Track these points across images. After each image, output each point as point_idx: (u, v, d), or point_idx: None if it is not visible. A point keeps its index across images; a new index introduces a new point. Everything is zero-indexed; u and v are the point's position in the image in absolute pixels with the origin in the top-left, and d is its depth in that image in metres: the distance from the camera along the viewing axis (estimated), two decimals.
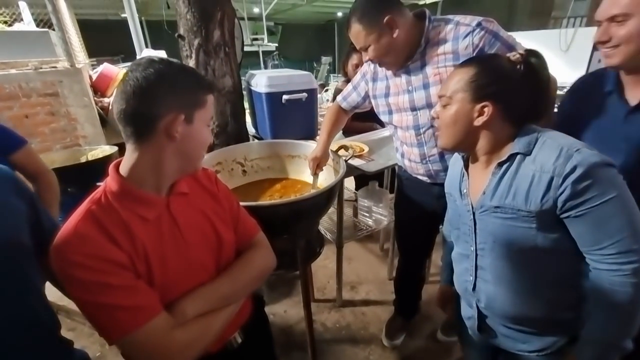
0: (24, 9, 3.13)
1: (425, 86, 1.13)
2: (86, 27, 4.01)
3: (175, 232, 0.68)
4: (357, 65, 2.04)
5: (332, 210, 1.88)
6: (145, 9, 7.62)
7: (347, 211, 2.02)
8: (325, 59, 10.87)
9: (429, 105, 1.14)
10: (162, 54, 3.20)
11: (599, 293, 0.69)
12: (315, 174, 1.35)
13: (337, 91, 2.16)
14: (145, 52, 3.18)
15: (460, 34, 1.03)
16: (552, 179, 0.66)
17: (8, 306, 0.63)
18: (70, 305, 0.80)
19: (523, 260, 0.75)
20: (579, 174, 0.63)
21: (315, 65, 11.75)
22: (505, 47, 1.01)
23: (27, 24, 3.13)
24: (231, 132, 1.82)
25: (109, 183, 0.64)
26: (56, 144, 2.89)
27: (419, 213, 1.40)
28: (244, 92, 1.96)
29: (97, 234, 0.59)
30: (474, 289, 0.86)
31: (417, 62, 1.12)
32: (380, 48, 1.07)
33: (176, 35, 1.64)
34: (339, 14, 13.08)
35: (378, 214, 1.88)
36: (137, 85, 0.58)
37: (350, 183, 2.45)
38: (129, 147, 0.63)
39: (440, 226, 1.21)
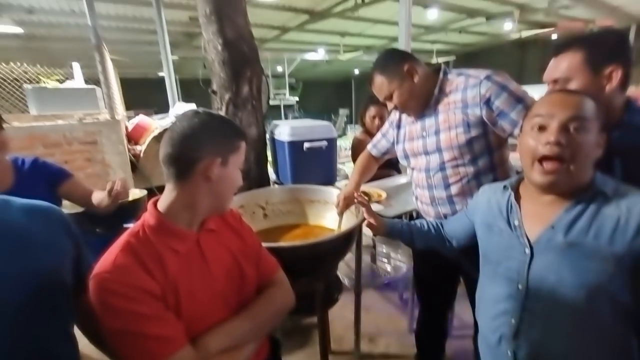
0: (77, 68, 3.55)
1: (437, 132, 1.19)
2: (126, 84, 4.46)
3: (203, 266, 0.72)
4: (375, 117, 2.16)
5: (349, 257, 1.87)
6: (180, 69, 8.43)
7: (365, 258, 2.00)
8: (343, 111, 11.43)
9: (439, 150, 1.19)
10: (192, 106, 3.49)
11: None
12: (341, 213, 1.37)
13: (356, 140, 2.27)
14: (178, 106, 3.48)
15: (469, 85, 1.12)
16: None
17: (42, 341, 0.62)
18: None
19: (588, 309, 0.69)
20: None
21: (333, 116, 12.32)
22: (512, 98, 1.06)
23: (78, 81, 3.53)
24: (253, 178, 1.91)
25: (147, 217, 0.70)
26: None
27: (437, 260, 1.37)
28: (268, 141, 2.09)
29: (133, 264, 0.63)
30: (515, 336, 0.78)
31: (431, 109, 1.20)
32: (403, 93, 1.17)
33: (210, 90, 1.82)
34: (356, 72, 13.98)
35: (397, 260, 1.85)
36: (183, 132, 0.66)
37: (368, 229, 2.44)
38: (169, 186, 0.70)
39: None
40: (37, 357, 0.61)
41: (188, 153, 0.66)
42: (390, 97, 1.19)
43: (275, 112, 10.23)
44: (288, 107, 10.84)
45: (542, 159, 0.71)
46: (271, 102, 10.06)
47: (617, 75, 0.83)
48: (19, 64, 3.47)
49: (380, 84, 1.18)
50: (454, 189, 1.21)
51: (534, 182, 0.75)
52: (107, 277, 0.61)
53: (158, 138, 3.21)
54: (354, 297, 1.71)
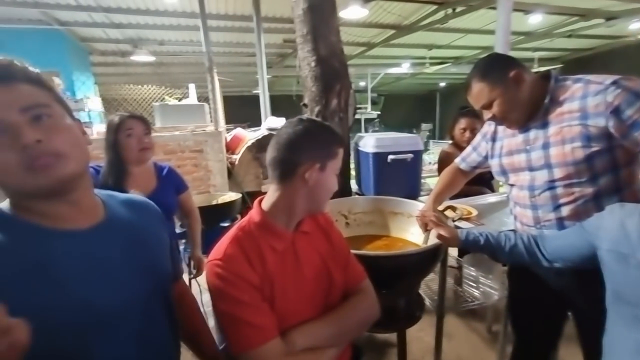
0: (192, 88, 4.18)
1: (545, 146, 1.05)
2: (227, 101, 5.08)
3: (295, 266, 0.77)
4: (465, 129, 2.04)
5: (431, 277, 1.77)
6: (271, 86, 9.25)
7: (449, 281, 1.86)
8: (426, 126, 11.00)
9: (548, 166, 1.05)
10: (282, 120, 3.78)
11: None
12: (427, 231, 1.30)
13: (443, 153, 2.17)
14: (270, 119, 3.82)
15: (590, 92, 0.96)
16: None
17: (156, 327, 0.65)
18: None
19: None
20: None
21: (414, 131, 11.95)
22: None
23: (192, 99, 4.15)
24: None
25: (253, 214, 0.78)
26: (193, 191, 3.56)
27: (538, 291, 1.20)
28: (351, 152, 2.14)
29: (239, 255, 0.71)
30: None
31: (538, 121, 1.07)
32: (505, 102, 1.06)
33: (301, 104, 1.96)
34: (442, 84, 13.37)
35: (487, 286, 1.68)
36: (288, 138, 0.73)
37: (453, 249, 2.28)
38: (272, 187, 0.78)
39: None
40: (150, 345, 0.63)
41: (291, 157, 0.73)
42: (489, 106, 1.09)
43: (355, 125, 10.34)
44: (368, 121, 10.89)
45: None
46: None
47: None
48: (149, 86, 4.27)
49: (479, 91, 1.08)
50: (565, 211, 1.05)
51: None
52: (218, 264, 0.70)
53: (250, 148, 3.56)
54: (433, 320, 1.61)
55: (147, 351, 0.61)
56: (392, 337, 2.24)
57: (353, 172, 2.26)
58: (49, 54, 4.68)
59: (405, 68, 8.69)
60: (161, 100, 4.23)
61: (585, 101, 0.96)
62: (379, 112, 10.37)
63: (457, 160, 1.47)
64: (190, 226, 1.68)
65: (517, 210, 1.21)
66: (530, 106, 1.07)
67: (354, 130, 2.27)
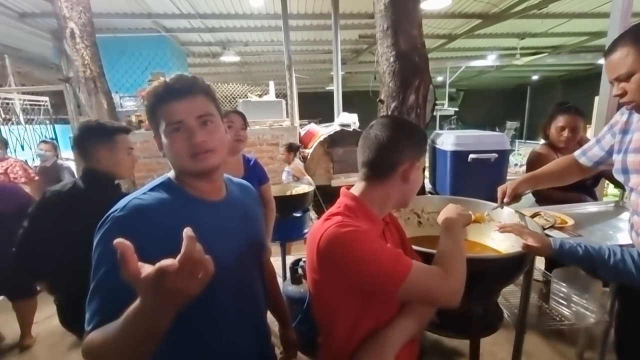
0: (271, 86, 4.45)
1: None
2: (301, 98, 5.30)
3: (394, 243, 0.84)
4: (564, 128, 1.81)
5: (510, 289, 1.62)
6: (345, 82, 9.34)
7: (533, 296, 1.69)
8: (511, 124, 9.95)
9: None
10: (354, 117, 3.80)
11: None
12: (501, 203, 1.25)
13: (535, 154, 1.95)
14: (342, 115, 3.87)
15: None
16: None
17: (252, 286, 0.83)
18: None
19: None
20: None
21: (497, 130, 10.91)
22: None
23: (271, 95, 4.42)
24: None
25: (344, 201, 0.80)
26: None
27: None
28: (427, 150, 2.07)
29: (356, 221, 0.73)
30: None
31: None
32: None
33: (377, 100, 1.95)
34: (534, 77, 11.90)
35: (581, 306, 1.48)
36: (390, 138, 0.75)
37: (540, 261, 2.05)
38: (362, 184, 0.80)
39: None
40: (249, 297, 0.81)
41: (392, 157, 0.76)
42: (625, 79, 0.92)
43: (430, 122, 9.88)
44: (444, 118, 10.28)
45: None
46: None
47: None
48: (234, 84, 4.68)
49: (623, 57, 0.91)
50: None
51: None
52: (343, 223, 0.70)
53: (322, 143, 3.66)
54: (510, 337, 1.48)
55: (244, 296, 0.78)
56: (461, 345, 2.11)
57: (427, 171, 2.18)
58: (158, 56, 5.53)
59: (490, 60, 7.95)
60: (245, 97, 4.60)
61: None
62: (457, 109, 9.71)
63: (576, 153, 1.32)
64: (266, 215, 1.80)
65: (635, 219, 1.04)
66: None
67: (429, 128, 2.19)
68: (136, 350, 0.51)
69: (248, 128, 1.65)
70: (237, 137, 1.55)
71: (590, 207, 1.71)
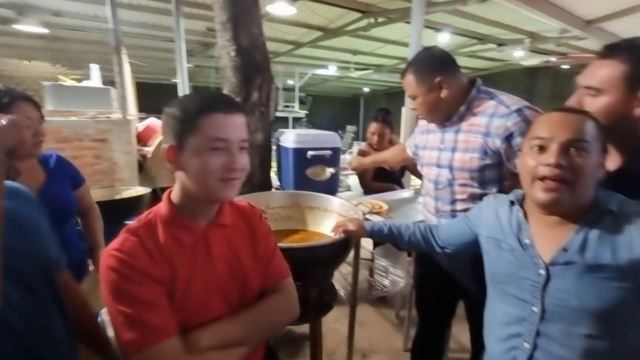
0: (94, 69, 3.66)
1: (453, 149, 1.18)
2: (141, 89, 4.60)
3: (207, 260, 0.72)
4: (374, 133, 2.30)
5: (348, 271, 1.85)
6: (193, 76, 8.67)
7: (364, 273, 1.98)
8: (350, 128, 11.52)
9: (450, 167, 1.18)
10: None
11: None
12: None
13: (360, 152, 2.33)
14: None
15: (498, 113, 1.07)
16: None
17: (48, 321, 0.64)
18: None
19: (609, 326, 0.68)
20: None
21: (340, 132, 12.45)
22: None
23: (94, 81, 3.63)
24: (256, 182, 1.93)
25: (160, 207, 0.71)
26: (95, 185, 3.12)
27: (437, 275, 1.36)
28: (273, 148, 2.12)
29: (137, 247, 0.64)
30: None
31: (454, 125, 1.18)
32: (425, 102, 1.17)
33: None
34: (365, 89, 14.17)
35: (395, 275, 1.83)
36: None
37: (368, 242, 2.43)
38: None
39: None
40: (43, 335, 0.62)
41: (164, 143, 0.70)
42: (413, 98, 1.20)
43: (283, 124, 10.36)
44: (296, 120, 10.98)
45: (542, 178, 0.70)
46: (280, 114, 10.22)
47: None
48: (39, 62, 3.60)
49: (409, 83, 1.18)
50: (459, 205, 1.21)
51: (536, 200, 0.73)
52: (114, 254, 0.63)
53: None
54: (348, 312, 1.69)
55: (38, 335, 0.60)
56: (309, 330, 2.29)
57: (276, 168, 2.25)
58: None
59: (332, 70, 8.97)
60: (54, 81, 3.60)
61: (492, 120, 1.08)
62: (307, 112, 10.53)
63: (407, 142, 1.58)
64: (90, 225, 1.46)
65: (425, 198, 1.35)
66: (448, 110, 1.17)
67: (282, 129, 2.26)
68: None
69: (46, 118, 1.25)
70: (37, 135, 1.14)
71: (400, 194, 2.13)
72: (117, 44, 3.22)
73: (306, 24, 5.58)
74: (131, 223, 0.69)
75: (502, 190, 1.15)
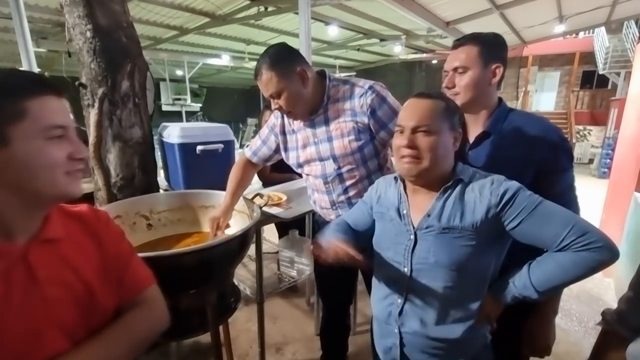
0: None
1: (329, 139, 1.21)
2: None
3: (29, 288, 0.56)
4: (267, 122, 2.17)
5: (255, 266, 1.78)
6: (50, 64, 7.12)
7: (272, 266, 1.94)
8: (251, 120, 11.21)
9: (333, 157, 1.22)
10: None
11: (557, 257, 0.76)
12: (214, 236, 1.26)
13: None
14: None
15: (356, 94, 1.16)
16: (490, 201, 0.79)
17: None
18: None
19: (458, 278, 0.82)
20: (511, 193, 0.78)
21: (241, 126, 12.01)
22: (390, 110, 1.16)
23: None
24: (138, 185, 1.67)
25: None
26: None
27: None
28: (156, 145, 1.87)
29: None
30: (400, 313, 0.89)
31: (320, 116, 1.21)
32: (291, 96, 1.12)
33: (76, 83, 1.54)
34: None
35: (300, 264, 1.84)
36: None
37: (273, 236, 2.39)
38: None
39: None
40: None
41: None
42: (277, 96, 1.13)
43: (176, 119, 9.44)
44: (190, 114, 10.15)
45: (402, 156, 0.83)
46: (171, 108, 9.29)
47: (499, 72, 0.97)
48: None
49: (268, 80, 1.10)
50: (351, 191, 1.25)
51: (400, 172, 0.88)
52: None
53: None
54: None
55: None
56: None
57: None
58: None
59: (225, 60, 8.50)
60: None
61: (353, 101, 1.16)
62: (201, 105, 9.81)
63: (248, 153, 1.43)
64: None
65: (315, 196, 1.35)
66: (313, 101, 1.19)
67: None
68: None
69: None
70: None
71: (298, 184, 2.13)
72: None
73: (190, 8, 5.12)
74: None
75: (380, 164, 1.26)
